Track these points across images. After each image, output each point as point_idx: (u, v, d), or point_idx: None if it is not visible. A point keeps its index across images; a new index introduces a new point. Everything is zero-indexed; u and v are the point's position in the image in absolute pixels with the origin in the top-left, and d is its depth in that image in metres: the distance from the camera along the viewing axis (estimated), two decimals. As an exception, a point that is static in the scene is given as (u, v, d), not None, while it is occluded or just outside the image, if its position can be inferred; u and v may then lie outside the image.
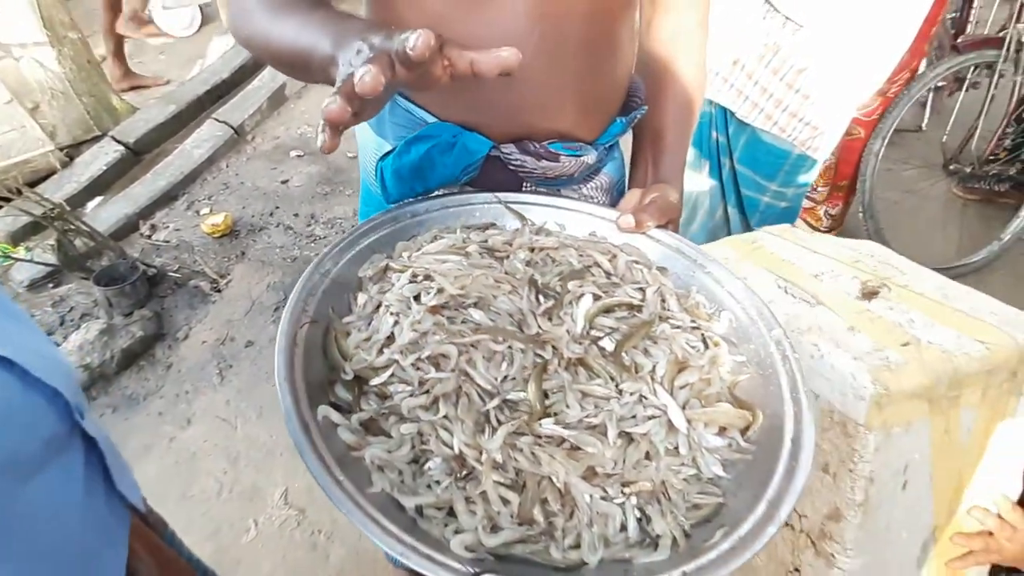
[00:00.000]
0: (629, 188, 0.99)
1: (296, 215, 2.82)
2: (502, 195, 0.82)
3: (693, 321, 0.70)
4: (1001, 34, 2.31)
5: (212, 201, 2.89)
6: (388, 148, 0.89)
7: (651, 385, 0.62)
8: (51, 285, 2.38)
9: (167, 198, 2.85)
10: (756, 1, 1.35)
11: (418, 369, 0.56)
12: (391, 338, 0.59)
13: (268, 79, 3.54)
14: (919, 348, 0.91)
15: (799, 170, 1.55)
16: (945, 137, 2.60)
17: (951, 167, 2.67)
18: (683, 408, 0.61)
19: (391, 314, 0.60)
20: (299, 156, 3.16)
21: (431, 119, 0.85)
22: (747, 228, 1.70)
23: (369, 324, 0.61)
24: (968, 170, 2.66)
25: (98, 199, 2.85)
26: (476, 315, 0.61)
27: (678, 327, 0.69)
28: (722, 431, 0.61)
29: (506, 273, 0.69)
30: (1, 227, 2.51)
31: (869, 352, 0.91)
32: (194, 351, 2.24)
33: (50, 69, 2.89)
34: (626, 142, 1.00)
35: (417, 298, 0.62)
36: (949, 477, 0.98)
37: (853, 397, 0.88)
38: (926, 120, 2.92)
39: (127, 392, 2.10)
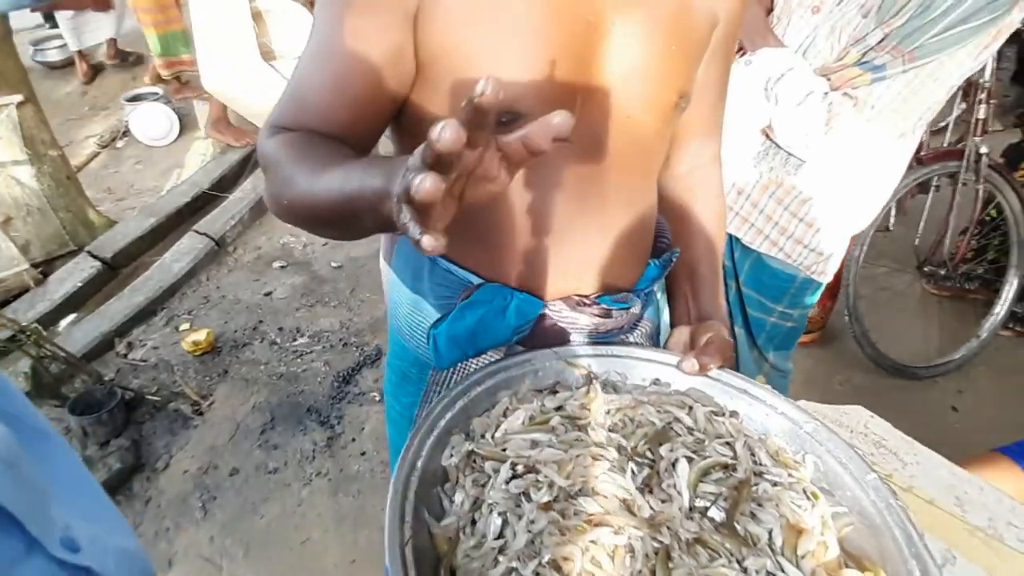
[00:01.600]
0: (672, 325, 0.99)
1: (281, 328, 2.74)
2: (560, 350, 0.80)
3: (790, 475, 0.67)
4: (960, 146, 2.46)
5: (192, 316, 2.80)
6: (426, 307, 0.87)
7: (775, 559, 0.58)
8: (20, 414, 2.23)
9: (145, 314, 2.75)
10: (758, 138, 1.41)
11: (540, 576, 0.52)
12: (503, 542, 0.54)
13: (249, 189, 3.54)
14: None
15: (805, 293, 1.59)
16: (917, 240, 2.73)
17: (926, 268, 2.78)
18: (814, 582, 0.58)
19: (498, 514, 0.56)
20: (282, 267, 3.12)
21: (474, 279, 0.84)
22: (754, 346, 1.71)
23: (473, 525, 0.57)
24: (942, 272, 2.78)
25: (71, 316, 2.74)
26: (587, 504, 0.57)
27: (777, 483, 0.66)
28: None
29: (596, 445, 0.65)
30: (-33, 352, 2.38)
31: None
32: (175, 482, 2.09)
33: (28, 186, 2.84)
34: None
35: (525, 494, 0.58)
36: None
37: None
38: (892, 221, 3.06)
39: (102, 532, 1.94)
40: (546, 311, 0.82)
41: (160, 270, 2.95)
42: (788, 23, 1.40)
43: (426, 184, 0.41)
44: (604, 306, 0.83)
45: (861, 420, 1.08)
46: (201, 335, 2.59)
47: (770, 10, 1.44)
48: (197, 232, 3.17)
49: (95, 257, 2.94)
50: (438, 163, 0.43)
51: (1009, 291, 2.61)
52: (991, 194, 2.53)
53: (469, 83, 0.70)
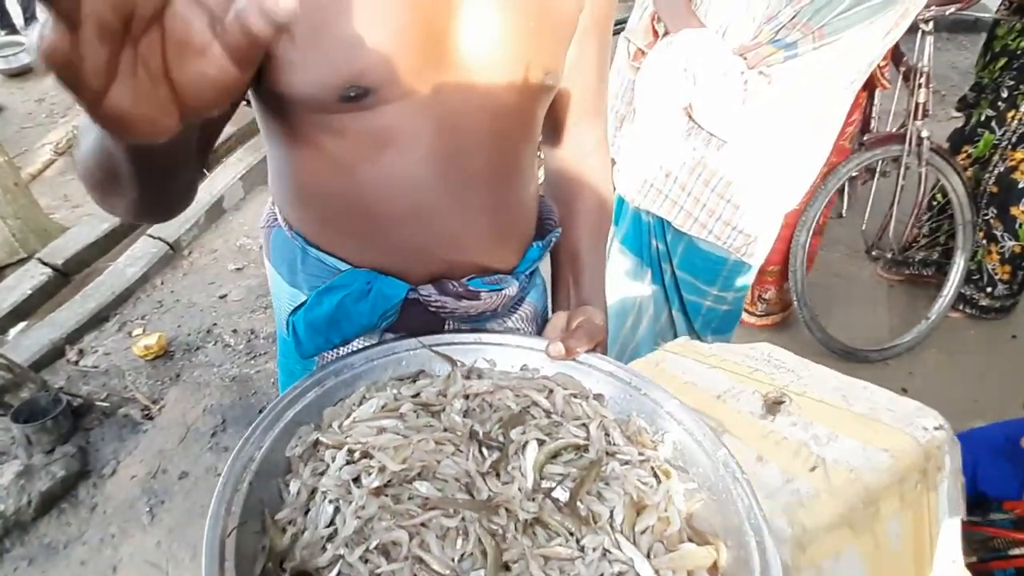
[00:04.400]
0: (552, 311, 0.99)
1: (235, 331, 2.72)
2: (426, 339, 0.79)
3: (641, 453, 0.67)
4: (902, 130, 2.49)
5: (146, 321, 2.77)
6: (302, 299, 0.86)
7: (613, 536, 0.59)
8: (-38, 425, 2.20)
9: (97, 320, 2.72)
10: (681, 118, 1.42)
11: (367, 562, 0.51)
12: (333, 529, 0.54)
13: (205, 191, 3.51)
14: (827, 472, 0.89)
15: (736, 275, 1.60)
16: (864, 225, 2.75)
17: (873, 253, 2.80)
18: (649, 557, 0.58)
19: (330, 502, 0.56)
20: (238, 269, 3.09)
21: (344, 267, 0.83)
22: (691, 330, 1.72)
23: (306, 515, 0.56)
24: (889, 255, 2.80)
25: (21, 325, 2.70)
26: (422, 488, 0.57)
27: (627, 462, 0.66)
28: (689, 575, 0.58)
29: (445, 430, 0.65)
30: (-91, 363, 2.34)
31: (780, 487, 0.88)
32: (122, 488, 2.07)
33: (-28, 193, 2.80)
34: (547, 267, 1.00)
35: (357, 480, 0.57)
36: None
37: (775, 541, 0.86)
38: (845, 208, 3.08)
39: (45, 540, 1.92)
40: (416, 295, 0.82)
41: (113, 275, 2.91)
42: (709, 5, 1.40)
43: None
44: (473, 288, 0.82)
45: (766, 351, 1.16)
46: (152, 339, 2.56)
47: (691, -5, 1.45)
48: (151, 236, 3.14)
49: (46, 264, 2.90)
50: None
51: (956, 273, 2.64)
52: (937, 178, 2.56)
53: (319, 59, 0.68)
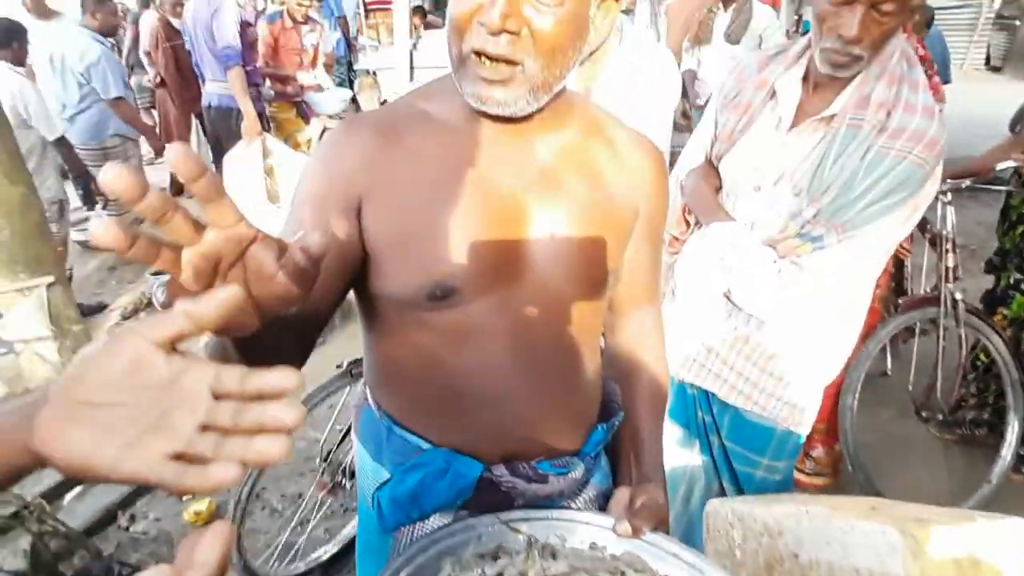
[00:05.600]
0: (615, 486, 1.03)
1: (283, 495, 2.74)
2: (503, 515, 0.85)
3: None
4: (935, 292, 2.55)
5: (196, 485, 2.81)
6: (386, 476, 0.93)
7: None
8: (14, 594, 2.21)
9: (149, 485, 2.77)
10: (720, 301, 1.52)
11: None
12: None
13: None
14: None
15: (786, 443, 1.61)
16: (910, 386, 2.74)
17: (923, 414, 2.77)
18: None
19: None
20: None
21: (426, 446, 0.91)
22: (745, 501, 1.70)
23: None
24: (940, 417, 2.76)
25: (78, 489, 2.77)
26: None
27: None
28: None
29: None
30: (-31, 530, 2.39)
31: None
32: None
33: (49, 361, 2.99)
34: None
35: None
36: None
37: None
38: (889, 366, 3.09)
39: None
40: (489, 475, 0.88)
41: (168, 438, 3.00)
42: (736, 200, 1.54)
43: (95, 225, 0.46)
44: (542, 471, 0.88)
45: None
46: (203, 504, 2.60)
47: (719, 188, 1.60)
48: (207, 399, 3.26)
49: (107, 428, 3.01)
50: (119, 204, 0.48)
51: (1012, 434, 2.57)
52: (976, 338, 2.58)
53: (407, 267, 0.82)
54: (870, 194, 1.29)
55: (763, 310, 1.45)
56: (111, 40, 4.74)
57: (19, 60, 3.93)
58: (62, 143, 3.98)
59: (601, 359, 1.03)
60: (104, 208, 5.27)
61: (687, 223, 1.62)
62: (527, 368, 0.88)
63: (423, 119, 0.86)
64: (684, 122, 4.58)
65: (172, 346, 0.47)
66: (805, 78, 1.43)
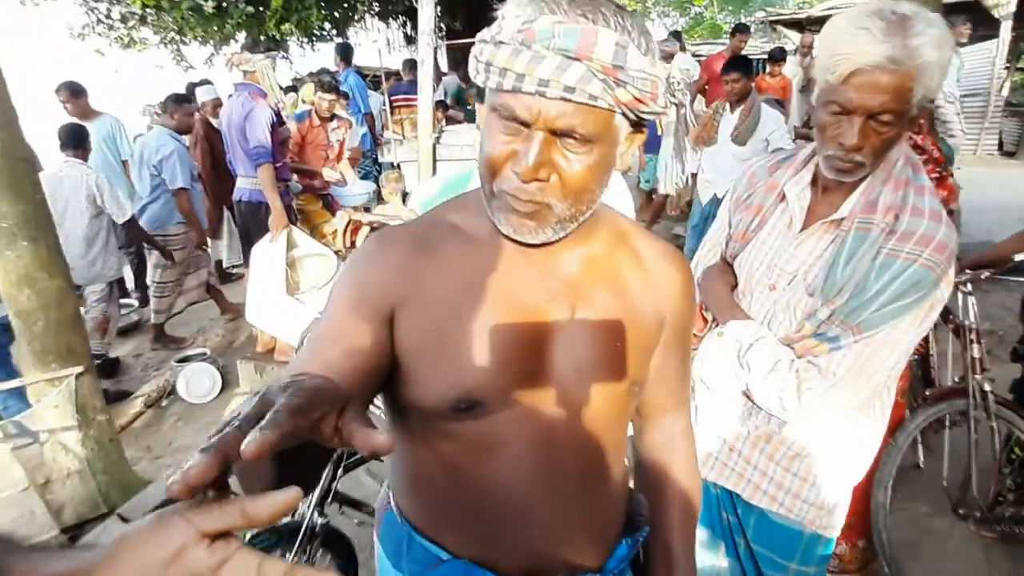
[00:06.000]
0: None
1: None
2: None
3: None
4: (963, 384, 2.50)
5: None
6: None
7: None
8: None
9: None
10: (740, 400, 1.51)
11: None
12: None
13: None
14: None
15: (815, 546, 1.56)
16: (945, 481, 2.64)
17: (960, 511, 2.65)
18: None
19: None
20: (303, 524, 3.11)
21: (445, 556, 0.90)
22: (775, 608, 1.63)
23: None
24: (977, 514, 2.65)
25: (90, 585, 2.72)
26: None
27: None
28: None
29: None
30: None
31: None
32: None
33: (72, 451, 3.01)
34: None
35: None
36: None
37: None
38: (922, 459, 3.00)
39: None
40: None
41: (184, 531, 2.97)
42: (751, 298, 1.56)
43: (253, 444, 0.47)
44: None
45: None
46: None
47: (734, 286, 1.62)
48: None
49: (125, 520, 2.99)
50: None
51: (1056, 534, 2.45)
52: (1010, 431, 2.50)
53: (437, 377, 0.83)
54: (883, 296, 1.30)
55: (782, 410, 1.44)
56: (186, 137, 5.36)
57: (84, 157, 4.50)
58: (131, 223, 4.56)
59: (628, 469, 1.02)
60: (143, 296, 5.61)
61: (704, 320, 1.64)
62: (550, 481, 0.88)
63: (453, 232, 0.91)
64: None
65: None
66: (814, 182, 1.47)
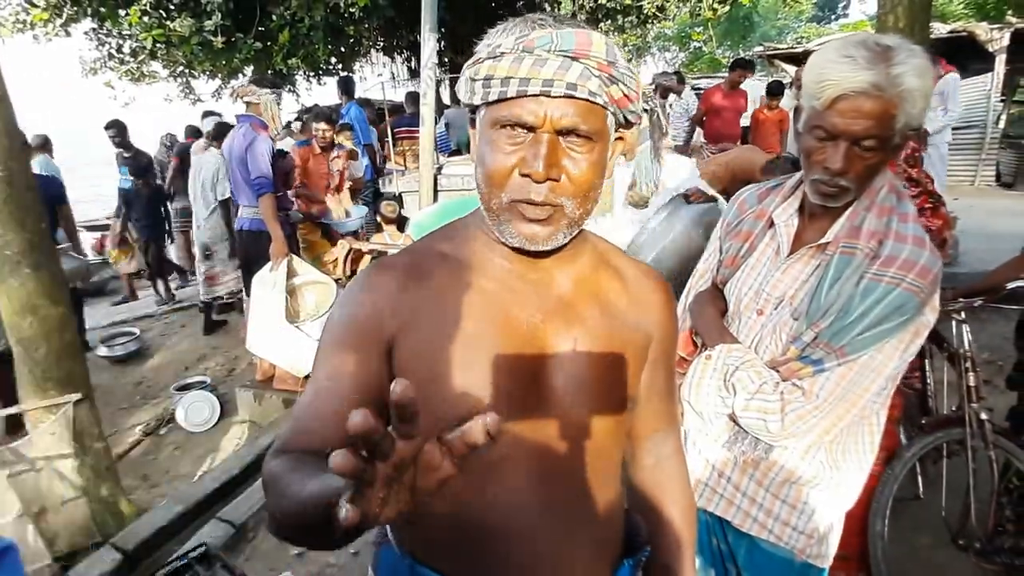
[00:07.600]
0: None
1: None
2: None
3: None
4: (960, 412, 2.49)
5: (201, 610, 2.72)
6: None
7: None
8: None
9: (154, 609, 2.69)
10: (727, 424, 1.51)
11: None
12: None
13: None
14: None
15: (807, 576, 1.54)
16: (943, 512, 2.62)
17: (960, 542, 2.62)
18: None
19: None
20: (298, 554, 3.09)
21: None
22: (767, 638, 1.61)
23: None
24: (977, 545, 2.61)
25: None
26: None
27: None
28: None
29: None
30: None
31: None
32: None
33: (68, 479, 3.00)
34: None
35: None
36: None
37: None
38: (921, 489, 2.97)
39: None
40: None
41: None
42: (740, 323, 1.58)
43: (338, 459, 0.49)
44: None
45: None
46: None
47: (725, 311, 1.64)
48: (220, 519, 3.22)
49: (117, 549, 2.97)
50: (355, 445, 0.50)
51: (1057, 565, 2.42)
52: (1008, 460, 2.49)
53: (438, 402, 0.84)
54: (866, 319, 1.32)
55: (767, 432, 1.44)
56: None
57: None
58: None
59: (623, 490, 1.03)
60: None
61: (694, 345, 1.65)
62: (549, 500, 0.89)
63: (444, 260, 0.93)
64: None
65: None
66: (801, 209, 1.50)
